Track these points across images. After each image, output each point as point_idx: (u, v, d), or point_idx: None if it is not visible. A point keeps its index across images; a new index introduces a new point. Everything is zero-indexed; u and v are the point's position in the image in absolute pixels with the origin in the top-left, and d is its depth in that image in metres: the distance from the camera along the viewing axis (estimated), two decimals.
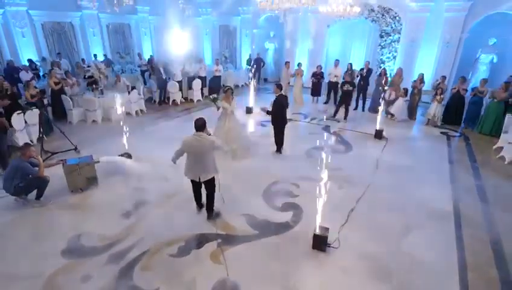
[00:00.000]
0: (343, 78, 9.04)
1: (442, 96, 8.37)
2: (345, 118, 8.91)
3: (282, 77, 11.60)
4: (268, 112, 6.14)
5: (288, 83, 11.48)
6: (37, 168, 4.50)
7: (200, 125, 3.91)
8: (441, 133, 8.14)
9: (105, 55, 12.98)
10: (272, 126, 6.44)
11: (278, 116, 6.12)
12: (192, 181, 4.19)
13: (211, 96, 6.18)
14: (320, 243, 3.71)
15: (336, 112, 8.96)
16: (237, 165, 5.93)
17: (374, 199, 4.93)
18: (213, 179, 4.17)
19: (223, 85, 12.53)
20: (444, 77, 8.80)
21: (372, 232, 4.11)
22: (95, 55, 12.60)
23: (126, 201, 4.79)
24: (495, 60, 10.34)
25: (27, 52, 10.99)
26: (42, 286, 3.24)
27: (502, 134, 6.95)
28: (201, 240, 3.93)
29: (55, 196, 4.83)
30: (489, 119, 7.90)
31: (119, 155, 5.82)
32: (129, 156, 5.94)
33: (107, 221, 4.30)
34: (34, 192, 4.65)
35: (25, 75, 9.44)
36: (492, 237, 4.11)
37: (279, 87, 6.13)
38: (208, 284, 3.25)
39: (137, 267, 3.49)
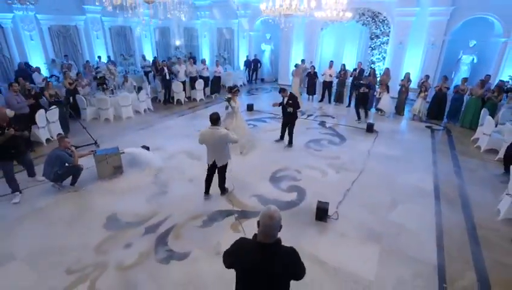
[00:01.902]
0: (361, 81, 9.31)
1: (426, 93, 9.21)
2: (366, 117, 9.33)
3: (293, 84, 11.80)
4: (289, 104, 6.69)
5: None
6: (72, 158, 5.13)
7: (215, 119, 4.47)
8: (426, 127, 8.97)
9: (109, 57, 13.53)
10: (287, 121, 7.08)
11: (295, 111, 6.83)
12: (208, 164, 4.80)
13: (225, 98, 6.66)
14: (322, 215, 4.43)
15: (358, 114, 9.28)
16: (245, 157, 6.60)
17: (366, 181, 5.68)
18: (225, 164, 4.84)
19: (223, 85, 13.26)
20: (427, 76, 9.64)
21: (365, 207, 4.85)
22: (99, 57, 13.14)
23: (150, 186, 5.45)
24: (475, 61, 11.26)
25: (35, 55, 11.52)
26: (91, 253, 3.88)
27: (478, 126, 7.80)
28: (221, 215, 4.62)
29: (87, 183, 5.46)
30: (468, 114, 8.75)
31: (139, 147, 6.44)
32: (147, 148, 6.56)
33: (137, 202, 4.94)
34: (69, 179, 5.28)
35: (37, 77, 9.98)
36: (465, 208, 4.91)
37: (285, 90, 6.84)
38: None
39: (170, 236, 4.16)
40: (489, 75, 9.32)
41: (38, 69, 10.27)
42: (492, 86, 8.80)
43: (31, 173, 5.55)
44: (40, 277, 3.51)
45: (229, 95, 6.62)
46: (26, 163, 5.43)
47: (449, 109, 9.44)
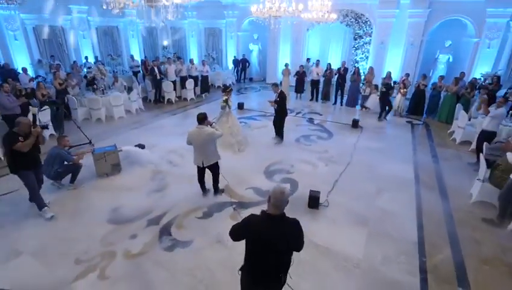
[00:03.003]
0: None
1: (405, 90, 9.78)
2: (385, 116, 9.78)
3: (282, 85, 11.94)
4: (276, 101, 7.03)
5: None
6: (72, 156, 5.27)
7: (201, 118, 4.61)
8: (407, 122, 9.53)
9: (96, 57, 13.47)
10: (276, 118, 7.41)
11: (284, 108, 7.15)
12: (198, 166, 4.95)
13: (223, 99, 6.76)
14: (314, 202, 4.79)
15: (381, 112, 9.71)
16: (240, 153, 6.86)
17: (353, 172, 6.10)
18: (216, 163, 4.89)
19: (212, 84, 13.47)
20: (407, 74, 10.22)
21: (353, 195, 5.25)
22: (86, 58, 13.08)
23: (148, 182, 5.66)
24: (451, 60, 11.98)
25: (20, 55, 11.36)
26: (98, 245, 4.08)
27: (454, 120, 8.39)
28: (220, 206, 4.90)
29: (86, 181, 5.61)
30: (445, 109, 9.37)
31: (134, 145, 6.62)
32: (143, 146, 6.75)
33: (137, 198, 5.14)
34: (68, 177, 5.41)
35: (24, 77, 9.90)
36: (442, 193, 5.40)
37: (277, 85, 7.15)
38: None
39: (173, 227, 4.41)
40: (464, 73, 9.99)
41: (25, 70, 10.17)
42: (466, 83, 9.44)
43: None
44: (49, 268, 3.68)
45: (226, 96, 6.74)
46: (40, 176, 4.78)
47: (428, 105, 10.03)
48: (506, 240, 4.23)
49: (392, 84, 9.79)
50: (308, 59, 13.05)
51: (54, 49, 12.54)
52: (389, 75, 10.35)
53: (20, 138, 4.15)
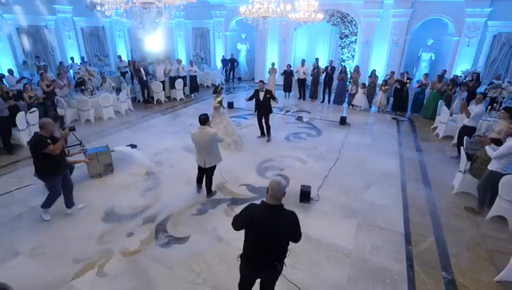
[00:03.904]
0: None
1: (386, 87, 10.12)
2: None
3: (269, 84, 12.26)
4: (251, 98, 7.18)
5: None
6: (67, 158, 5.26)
7: (203, 119, 4.69)
8: (392, 118, 9.85)
9: (82, 58, 13.29)
10: (258, 116, 7.53)
11: (268, 105, 7.28)
12: (199, 166, 5.06)
13: (218, 99, 6.77)
14: (305, 197, 4.96)
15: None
16: (232, 152, 6.92)
17: (342, 167, 6.31)
18: (213, 166, 4.94)
19: (201, 84, 13.50)
20: (392, 72, 10.55)
21: (342, 189, 5.46)
22: (72, 58, 12.91)
23: (142, 181, 5.72)
24: (433, 58, 12.43)
25: (4, 56, 11.11)
26: (95, 243, 4.13)
27: (436, 116, 8.74)
28: (214, 203, 5.01)
29: (78, 182, 5.59)
30: (429, 106, 9.72)
31: (126, 145, 6.64)
32: (135, 146, 6.77)
33: (131, 197, 5.20)
34: None
35: (10, 79, 9.70)
36: (426, 185, 5.67)
37: (263, 82, 7.28)
38: (226, 230, 4.33)
39: (169, 224, 4.50)
40: (445, 70, 10.39)
41: (11, 71, 9.97)
42: (447, 80, 9.82)
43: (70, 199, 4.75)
44: (47, 268, 3.70)
45: (220, 98, 6.76)
46: (68, 183, 4.65)
47: (413, 102, 10.38)
48: (485, 228, 4.50)
49: (405, 80, 10.22)
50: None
51: (38, 50, 12.31)
52: (374, 73, 10.67)
53: (48, 140, 4.11)
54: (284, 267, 2.68)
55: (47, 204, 4.52)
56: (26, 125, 7.31)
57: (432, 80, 9.87)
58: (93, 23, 13.96)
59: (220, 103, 6.78)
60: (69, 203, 4.73)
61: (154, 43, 16.04)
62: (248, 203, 2.59)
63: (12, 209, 4.83)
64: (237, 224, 2.54)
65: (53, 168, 4.28)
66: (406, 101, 10.39)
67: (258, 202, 2.53)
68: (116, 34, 15.29)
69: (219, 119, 6.97)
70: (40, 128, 4.14)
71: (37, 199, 5.06)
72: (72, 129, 4.68)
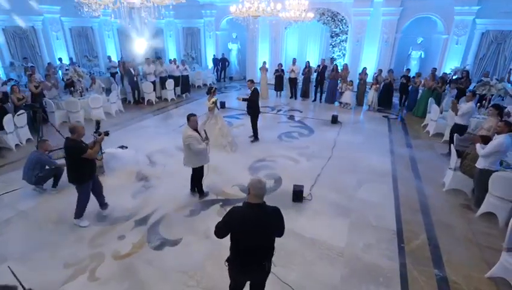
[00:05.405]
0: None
1: (377, 86, 10.21)
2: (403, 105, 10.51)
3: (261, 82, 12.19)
4: (244, 99, 7.15)
5: None
6: (54, 160, 5.17)
7: (187, 118, 4.59)
8: (383, 116, 9.94)
9: (71, 59, 13.08)
10: (249, 115, 7.50)
11: (256, 105, 7.24)
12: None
13: (212, 99, 6.65)
14: (298, 196, 4.96)
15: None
16: (226, 152, 6.88)
17: (334, 166, 6.34)
18: (195, 169, 4.87)
19: (192, 84, 13.40)
20: (380, 70, 10.66)
21: (335, 188, 5.48)
22: (60, 59, 12.68)
23: (133, 183, 5.64)
24: (423, 56, 12.58)
25: None
26: (86, 247, 4.06)
27: (427, 114, 8.85)
28: (207, 204, 4.98)
29: (69, 184, 5.46)
30: (422, 104, 9.79)
31: (117, 147, 6.55)
32: (126, 148, 6.69)
33: (123, 199, 5.12)
34: (49, 182, 5.30)
35: None
36: (417, 182, 5.73)
37: (252, 81, 7.23)
38: None
39: (161, 226, 4.45)
40: (435, 68, 10.51)
41: None
42: (437, 78, 9.94)
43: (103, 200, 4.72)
44: (37, 273, 3.61)
45: (214, 98, 6.66)
46: (97, 187, 4.61)
47: (408, 101, 10.49)
48: (476, 224, 4.57)
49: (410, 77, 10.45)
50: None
51: (26, 51, 12.07)
52: (364, 71, 10.75)
53: (84, 144, 4.05)
54: (274, 266, 2.68)
55: (80, 213, 4.42)
56: (14, 128, 7.16)
57: (425, 77, 9.97)
58: (82, 23, 13.75)
59: (215, 103, 6.71)
60: (103, 204, 4.70)
61: (143, 43, 15.98)
62: (228, 209, 2.56)
63: (2, 213, 4.71)
64: (221, 232, 2.49)
65: (90, 173, 4.24)
66: (390, 98, 10.53)
67: None
68: (105, 34, 15.09)
69: (214, 120, 6.88)
70: (71, 133, 4.02)
71: (25, 202, 4.98)
72: (107, 134, 4.64)
